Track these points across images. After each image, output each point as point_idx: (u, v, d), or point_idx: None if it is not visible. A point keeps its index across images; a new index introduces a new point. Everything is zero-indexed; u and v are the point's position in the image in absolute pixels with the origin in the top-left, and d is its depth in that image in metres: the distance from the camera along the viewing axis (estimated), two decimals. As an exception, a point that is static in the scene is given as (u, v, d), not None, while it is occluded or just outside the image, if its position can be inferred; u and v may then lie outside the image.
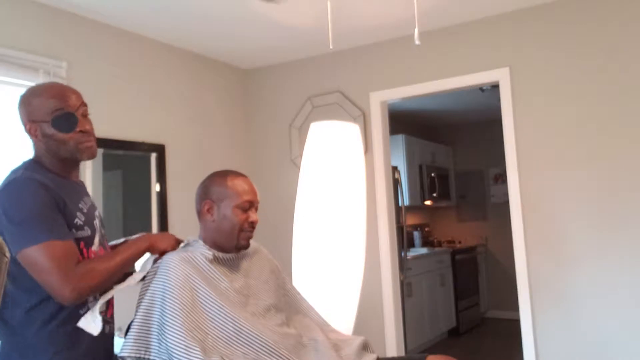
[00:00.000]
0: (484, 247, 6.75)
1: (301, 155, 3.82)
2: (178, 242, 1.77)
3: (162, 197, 3.50)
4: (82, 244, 1.53)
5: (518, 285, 3.31)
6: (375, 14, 3.32)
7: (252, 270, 1.84)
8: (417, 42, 2.09)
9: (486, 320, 6.47)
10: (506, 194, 4.73)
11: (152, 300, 1.60)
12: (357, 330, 2.82)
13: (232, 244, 1.77)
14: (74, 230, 1.51)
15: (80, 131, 1.54)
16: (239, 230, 1.75)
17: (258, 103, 4.31)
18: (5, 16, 2.73)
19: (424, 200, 6.12)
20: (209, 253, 1.72)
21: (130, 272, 1.68)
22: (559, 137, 3.23)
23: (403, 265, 4.36)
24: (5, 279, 1.57)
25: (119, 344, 1.63)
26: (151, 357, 1.55)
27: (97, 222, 1.64)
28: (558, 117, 3.24)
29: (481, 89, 4.67)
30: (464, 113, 6.42)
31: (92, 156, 1.59)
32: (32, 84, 2.72)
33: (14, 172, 1.52)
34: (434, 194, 6.30)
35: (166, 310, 1.56)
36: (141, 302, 1.62)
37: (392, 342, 3.67)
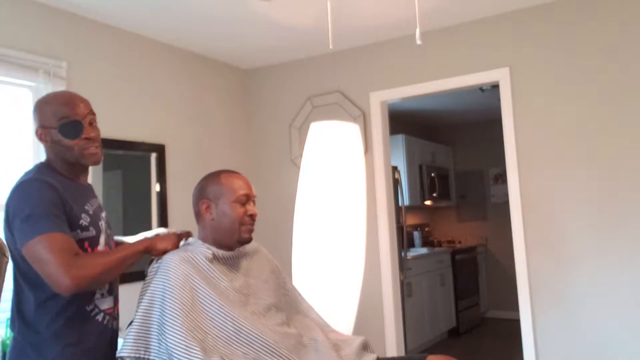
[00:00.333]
0: (484, 247, 6.75)
1: (301, 155, 3.82)
2: (179, 238, 1.79)
3: (162, 197, 3.50)
4: (86, 243, 1.59)
5: (518, 285, 3.31)
6: (375, 14, 3.32)
7: (252, 270, 1.84)
8: (418, 42, 2.09)
9: (486, 320, 6.47)
10: (506, 194, 4.73)
11: (152, 300, 1.61)
12: (357, 330, 2.82)
13: (234, 239, 1.78)
14: (78, 230, 1.57)
15: (86, 138, 1.62)
16: (240, 224, 1.77)
17: (258, 103, 4.31)
18: (5, 16, 2.73)
19: (424, 200, 6.12)
20: (209, 252, 1.72)
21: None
22: (559, 137, 3.24)
23: (403, 265, 4.36)
24: (4, 279, 1.61)
25: (119, 344, 1.64)
26: (151, 357, 1.55)
27: (102, 223, 1.70)
28: (558, 117, 3.24)
29: (481, 89, 4.67)
30: (464, 113, 6.42)
31: (97, 162, 1.67)
32: (32, 84, 2.73)
33: (26, 174, 1.62)
34: (434, 194, 6.30)
35: (166, 310, 1.56)
36: (141, 302, 1.63)
37: (392, 342, 3.67)
